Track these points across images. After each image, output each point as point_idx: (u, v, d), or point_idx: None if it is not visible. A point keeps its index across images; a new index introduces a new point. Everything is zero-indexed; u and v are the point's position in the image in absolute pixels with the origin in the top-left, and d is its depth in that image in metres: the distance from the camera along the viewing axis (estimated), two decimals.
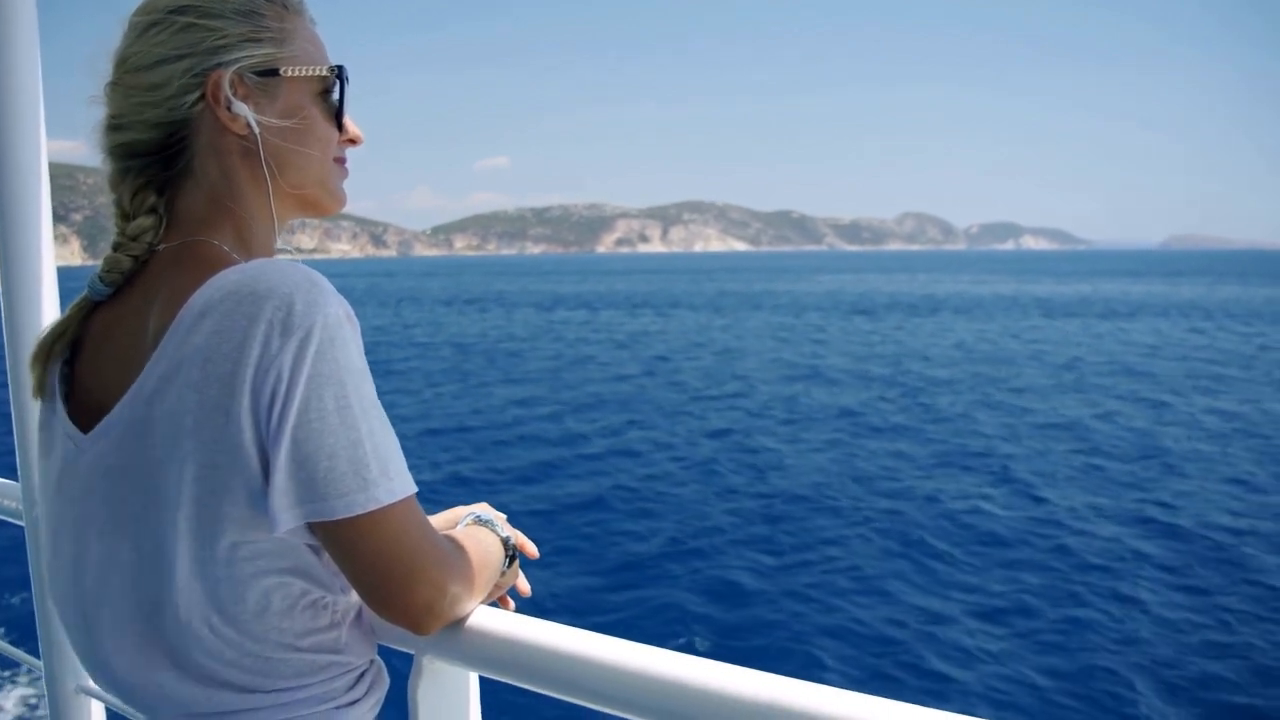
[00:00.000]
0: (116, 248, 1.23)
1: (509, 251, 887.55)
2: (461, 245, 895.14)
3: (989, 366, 32.80)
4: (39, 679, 2.08)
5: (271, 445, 1.04)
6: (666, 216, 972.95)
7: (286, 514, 1.05)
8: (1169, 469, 17.49)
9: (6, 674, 9.38)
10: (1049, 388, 27.72)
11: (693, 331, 49.08)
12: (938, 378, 30.08)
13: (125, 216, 1.24)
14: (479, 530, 1.39)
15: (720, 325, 53.08)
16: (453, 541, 1.23)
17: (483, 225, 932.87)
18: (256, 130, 1.21)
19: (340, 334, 1.06)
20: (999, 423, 22.09)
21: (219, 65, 1.19)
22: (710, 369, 33.19)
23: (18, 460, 2.00)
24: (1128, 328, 49.31)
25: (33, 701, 8.91)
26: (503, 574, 1.40)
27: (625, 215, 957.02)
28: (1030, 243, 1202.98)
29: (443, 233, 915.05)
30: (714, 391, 27.96)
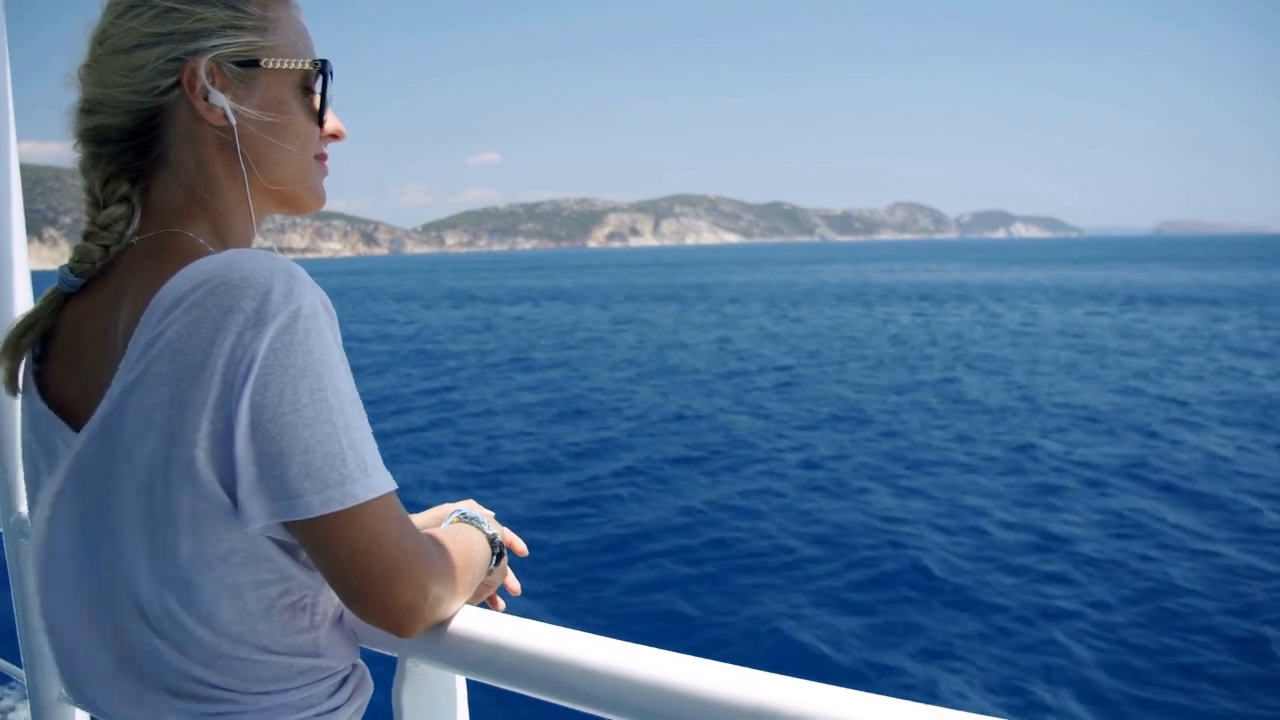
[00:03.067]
0: (87, 237, 1.19)
1: (501, 247, 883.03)
2: (453, 242, 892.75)
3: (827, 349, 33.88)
4: (20, 688, 2.07)
5: (245, 440, 1.00)
6: (658, 210, 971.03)
7: (260, 511, 1.01)
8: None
9: None
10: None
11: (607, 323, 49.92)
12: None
13: (96, 205, 1.19)
14: (464, 528, 1.34)
15: (611, 318, 53.80)
16: (435, 540, 1.18)
17: (474, 222, 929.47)
18: (233, 122, 1.16)
19: (316, 324, 1.02)
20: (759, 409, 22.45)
21: (197, 52, 1.14)
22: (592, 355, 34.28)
23: None
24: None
25: (15, 711, 8.62)
26: (490, 572, 1.35)
27: (616, 209, 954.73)
28: (1022, 230, 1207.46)
29: (434, 230, 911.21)
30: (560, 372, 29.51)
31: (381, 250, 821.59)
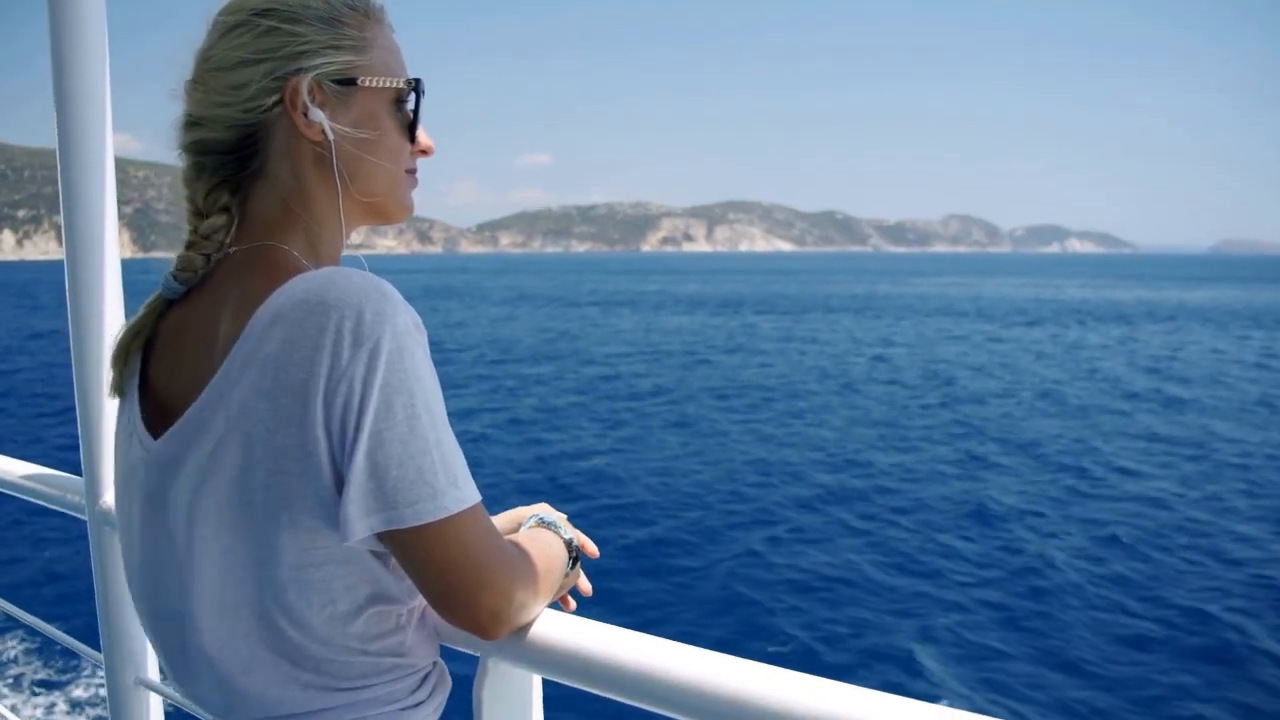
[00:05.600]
0: (189, 245, 1.25)
1: (554, 249, 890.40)
2: (507, 242, 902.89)
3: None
4: (100, 671, 2.12)
5: (343, 455, 1.06)
6: (711, 216, 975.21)
7: (358, 523, 1.06)
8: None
9: (69, 666, 9.36)
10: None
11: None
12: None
13: (198, 214, 1.26)
14: (543, 533, 1.40)
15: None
16: (518, 547, 1.25)
17: (528, 223, 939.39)
18: (331, 138, 1.22)
19: (409, 343, 1.07)
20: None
21: (299, 71, 1.20)
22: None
23: (81, 455, 2.03)
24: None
25: (94, 693, 8.85)
26: (565, 575, 1.41)
27: (670, 214, 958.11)
28: (1076, 246, 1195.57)
29: (488, 230, 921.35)
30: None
31: (435, 249, 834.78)
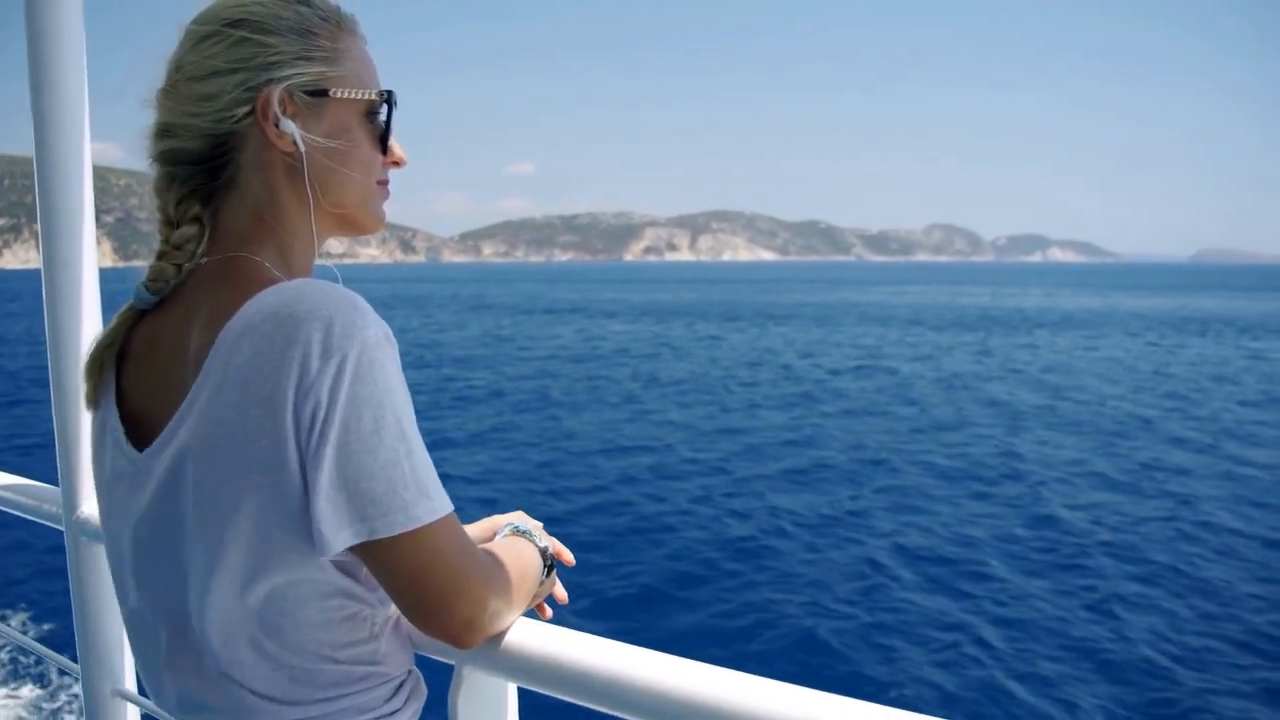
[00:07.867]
0: (160, 256, 1.25)
1: (537, 258, 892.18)
2: (490, 252, 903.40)
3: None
4: (77, 682, 2.09)
5: (312, 467, 1.05)
6: (695, 225, 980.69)
7: (331, 536, 1.06)
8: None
9: (45, 677, 9.32)
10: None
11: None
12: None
13: (169, 224, 1.25)
14: (517, 541, 1.40)
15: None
16: (492, 555, 1.25)
17: (511, 232, 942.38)
18: (303, 149, 1.22)
19: (379, 356, 1.07)
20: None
21: (270, 82, 1.20)
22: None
23: (58, 465, 2.01)
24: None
25: (71, 705, 8.83)
26: (541, 583, 1.41)
27: (654, 224, 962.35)
28: (1058, 255, 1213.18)
29: (471, 239, 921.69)
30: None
31: (418, 258, 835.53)
